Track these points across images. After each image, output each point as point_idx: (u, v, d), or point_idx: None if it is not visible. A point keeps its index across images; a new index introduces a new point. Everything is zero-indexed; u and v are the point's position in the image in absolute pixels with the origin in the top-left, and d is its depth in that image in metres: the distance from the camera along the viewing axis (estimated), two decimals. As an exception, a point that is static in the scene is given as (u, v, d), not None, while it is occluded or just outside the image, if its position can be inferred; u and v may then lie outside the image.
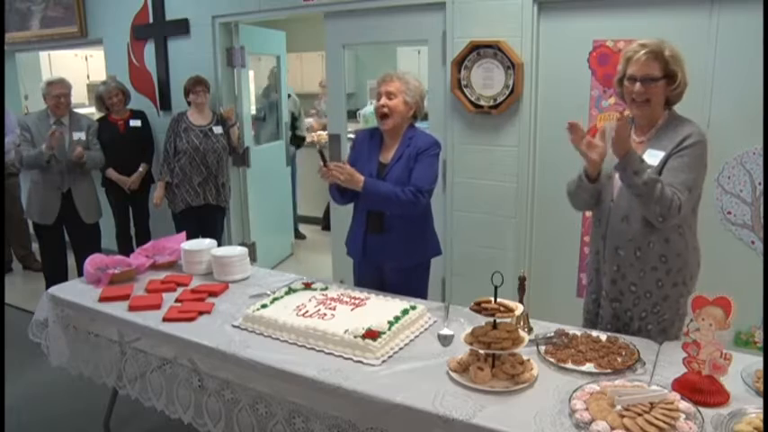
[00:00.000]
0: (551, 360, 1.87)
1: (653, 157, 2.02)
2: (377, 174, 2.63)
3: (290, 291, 2.49)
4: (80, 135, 4.19)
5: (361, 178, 2.49)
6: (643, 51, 2.00)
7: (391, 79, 2.59)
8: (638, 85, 2.02)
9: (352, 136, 4.18)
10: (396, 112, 2.57)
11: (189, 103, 4.32)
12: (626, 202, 2.08)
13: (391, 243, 2.63)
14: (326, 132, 4.46)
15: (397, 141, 2.64)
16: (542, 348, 1.95)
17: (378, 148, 2.69)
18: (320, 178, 2.56)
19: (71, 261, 4.37)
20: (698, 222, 2.16)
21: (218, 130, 4.33)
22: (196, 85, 4.25)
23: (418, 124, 2.73)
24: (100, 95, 4.52)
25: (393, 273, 2.70)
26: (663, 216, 1.94)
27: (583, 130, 2.06)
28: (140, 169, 4.59)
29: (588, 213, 3.38)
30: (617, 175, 2.08)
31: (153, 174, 4.67)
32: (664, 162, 2.00)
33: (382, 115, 2.59)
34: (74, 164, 4.11)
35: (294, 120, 6.03)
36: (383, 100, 2.57)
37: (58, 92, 4.08)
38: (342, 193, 2.66)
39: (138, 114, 4.66)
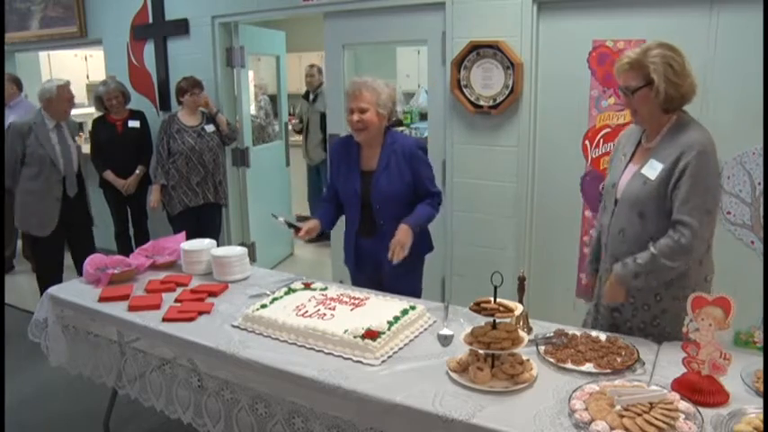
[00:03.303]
0: (551, 360, 1.87)
1: (652, 168, 1.98)
2: (361, 184, 2.64)
3: (290, 291, 2.49)
4: (77, 140, 4.14)
5: (408, 230, 2.50)
6: (624, 62, 2.00)
7: (360, 93, 2.54)
8: (622, 96, 2.05)
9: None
10: (370, 125, 2.56)
11: (180, 104, 4.31)
12: (624, 215, 2.06)
13: (384, 246, 2.59)
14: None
15: (378, 148, 2.64)
16: (542, 348, 1.94)
17: (356, 157, 2.67)
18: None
19: (67, 261, 4.34)
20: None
21: (209, 128, 4.34)
22: (194, 87, 4.25)
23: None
24: (99, 96, 4.51)
25: (389, 274, 2.68)
26: (686, 261, 1.94)
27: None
28: (137, 171, 4.58)
29: (588, 213, 3.39)
30: (619, 185, 2.09)
31: (151, 175, 4.66)
32: (665, 179, 1.94)
33: (357, 129, 2.58)
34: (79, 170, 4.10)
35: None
36: (356, 116, 2.55)
37: (70, 95, 3.99)
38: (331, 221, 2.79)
39: (136, 114, 4.65)
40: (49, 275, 4.19)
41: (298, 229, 2.68)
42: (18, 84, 5.11)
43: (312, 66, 5.96)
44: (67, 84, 4.04)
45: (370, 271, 2.75)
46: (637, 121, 2.08)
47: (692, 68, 1.98)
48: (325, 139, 5.75)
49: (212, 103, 4.44)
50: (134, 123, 4.59)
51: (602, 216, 2.22)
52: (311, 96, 5.93)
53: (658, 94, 1.93)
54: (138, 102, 4.87)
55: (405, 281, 2.67)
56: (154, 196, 4.33)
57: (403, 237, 2.50)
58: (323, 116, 5.71)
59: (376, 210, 2.63)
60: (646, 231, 2.00)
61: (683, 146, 1.92)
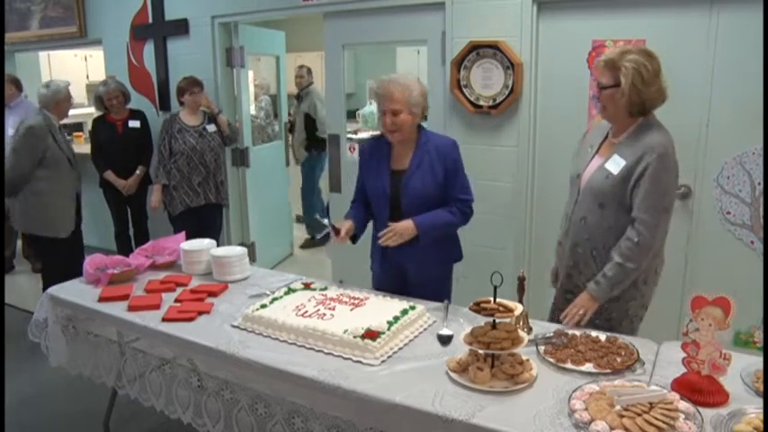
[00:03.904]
0: (551, 360, 1.87)
1: (615, 164, 2.10)
2: (390, 183, 2.54)
3: (290, 291, 2.49)
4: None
5: (412, 226, 2.44)
6: (602, 58, 2.10)
7: (392, 94, 2.42)
8: (596, 89, 2.15)
9: (351, 136, 4.18)
10: (403, 126, 2.45)
11: (181, 104, 4.31)
12: (587, 204, 2.19)
13: (412, 251, 2.51)
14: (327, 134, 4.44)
15: (411, 148, 2.53)
16: (542, 348, 1.94)
17: (386, 156, 2.57)
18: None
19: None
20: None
21: (211, 128, 4.33)
22: (193, 86, 4.24)
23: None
24: (99, 96, 4.51)
25: (415, 282, 2.61)
26: (647, 258, 2.08)
27: None
28: (137, 172, 4.58)
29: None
30: (584, 175, 2.22)
31: (152, 175, 4.65)
32: (626, 176, 2.06)
33: (390, 131, 2.48)
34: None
35: (312, 121, 5.83)
36: (389, 119, 2.44)
37: (71, 95, 4.02)
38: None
39: (137, 114, 4.65)
40: (56, 278, 4.11)
41: (338, 232, 2.54)
42: (18, 84, 5.10)
43: (302, 66, 5.95)
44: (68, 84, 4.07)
45: (396, 276, 2.64)
46: (604, 115, 2.19)
47: (665, 78, 2.10)
48: (307, 138, 5.79)
49: (213, 103, 4.44)
50: (134, 123, 4.59)
51: (567, 205, 2.36)
52: (300, 96, 5.96)
53: (623, 97, 2.04)
54: (137, 102, 4.87)
55: (433, 290, 2.55)
56: (155, 196, 4.32)
57: (402, 228, 2.44)
58: (307, 116, 5.76)
59: (406, 212, 2.52)
60: (605, 221, 2.15)
61: (645, 147, 2.04)
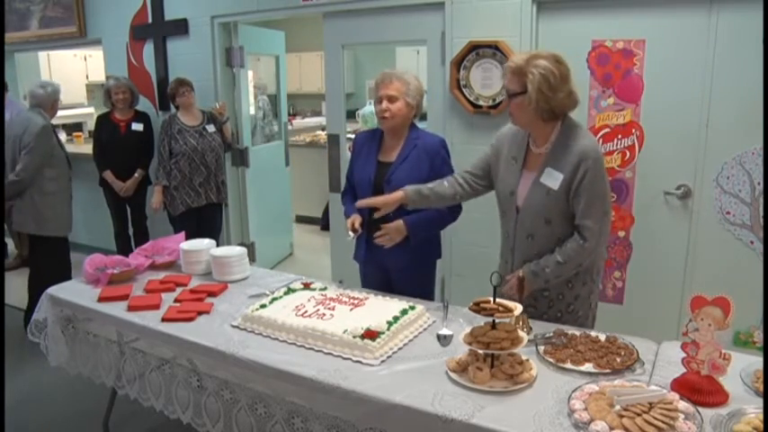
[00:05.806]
0: (550, 360, 1.87)
1: (552, 178, 2.07)
2: (375, 173, 2.60)
3: (289, 291, 2.49)
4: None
5: (403, 227, 2.49)
6: (509, 65, 2.07)
7: (390, 81, 2.50)
8: (504, 96, 2.13)
9: (351, 136, 4.18)
10: (398, 115, 2.51)
11: (177, 107, 4.33)
12: (531, 222, 2.16)
13: (391, 252, 2.55)
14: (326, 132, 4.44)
15: (401, 141, 2.59)
16: (541, 348, 1.94)
17: (377, 147, 2.65)
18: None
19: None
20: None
21: (210, 128, 4.34)
22: (180, 87, 4.26)
23: (418, 124, 2.72)
24: (108, 89, 4.51)
25: (399, 276, 2.66)
26: (585, 261, 2.11)
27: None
28: (136, 175, 4.57)
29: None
30: (519, 193, 2.17)
31: (150, 176, 4.64)
32: (566, 187, 2.05)
33: (384, 117, 2.53)
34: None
35: None
36: (385, 104, 2.50)
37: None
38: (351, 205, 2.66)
39: (141, 117, 4.64)
40: (52, 277, 4.13)
41: (355, 230, 2.57)
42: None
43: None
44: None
45: (379, 269, 2.70)
46: (513, 122, 2.16)
47: (575, 83, 2.06)
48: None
49: (225, 110, 4.46)
50: (138, 126, 4.58)
51: (504, 222, 2.31)
52: None
53: (530, 104, 2.01)
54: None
55: (414, 283, 2.62)
56: (156, 198, 4.32)
57: (394, 230, 2.48)
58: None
59: None
60: (554, 234, 2.14)
61: (579, 154, 2.03)
